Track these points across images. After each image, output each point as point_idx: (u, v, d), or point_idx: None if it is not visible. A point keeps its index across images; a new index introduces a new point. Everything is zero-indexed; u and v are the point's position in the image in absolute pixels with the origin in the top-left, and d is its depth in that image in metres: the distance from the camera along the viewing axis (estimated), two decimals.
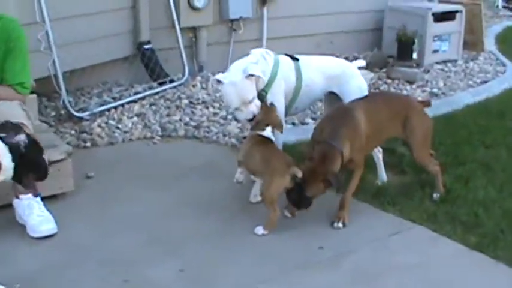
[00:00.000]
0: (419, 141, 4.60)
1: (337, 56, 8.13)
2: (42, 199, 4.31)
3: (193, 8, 7.20)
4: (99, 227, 4.25)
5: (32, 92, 4.85)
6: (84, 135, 5.71)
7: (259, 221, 4.14)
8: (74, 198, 4.57)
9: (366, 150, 4.54)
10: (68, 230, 4.19)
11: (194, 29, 7.38)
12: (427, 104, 4.88)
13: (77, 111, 6.03)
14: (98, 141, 5.61)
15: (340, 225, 4.28)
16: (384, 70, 7.80)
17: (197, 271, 3.77)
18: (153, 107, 6.39)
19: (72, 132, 5.78)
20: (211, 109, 6.41)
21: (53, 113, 6.06)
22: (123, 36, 6.86)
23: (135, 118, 6.13)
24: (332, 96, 4.88)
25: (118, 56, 6.87)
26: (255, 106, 4.32)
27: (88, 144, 5.55)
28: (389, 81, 7.49)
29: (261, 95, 4.48)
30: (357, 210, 4.42)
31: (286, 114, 4.73)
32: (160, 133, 5.91)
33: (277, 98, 4.53)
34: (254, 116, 4.31)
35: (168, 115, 6.20)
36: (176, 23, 7.08)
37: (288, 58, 4.72)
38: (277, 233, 4.08)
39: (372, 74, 7.48)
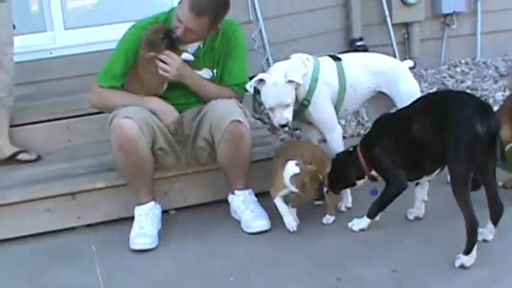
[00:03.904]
0: None
1: None
2: (257, 195, 4.40)
3: (405, 4, 7.12)
4: (312, 225, 4.26)
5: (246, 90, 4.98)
6: (298, 132, 5.76)
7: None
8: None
9: None
10: (280, 227, 4.23)
11: (406, 25, 7.27)
12: None
13: None
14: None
15: None
16: None
17: (410, 272, 3.67)
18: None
19: (286, 128, 5.84)
20: None
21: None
22: (335, 34, 6.89)
23: (349, 116, 6.09)
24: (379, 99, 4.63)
25: (330, 53, 6.88)
26: (289, 113, 4.17)
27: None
28: None
29: (303, 104, 4.32)
30: None
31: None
32: None
33: (322, 105, 4.36)
34: (287, 122, 4.18)
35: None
36: (388, 19, 7.03)
37: (330, 59, 4.47)
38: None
39: None
